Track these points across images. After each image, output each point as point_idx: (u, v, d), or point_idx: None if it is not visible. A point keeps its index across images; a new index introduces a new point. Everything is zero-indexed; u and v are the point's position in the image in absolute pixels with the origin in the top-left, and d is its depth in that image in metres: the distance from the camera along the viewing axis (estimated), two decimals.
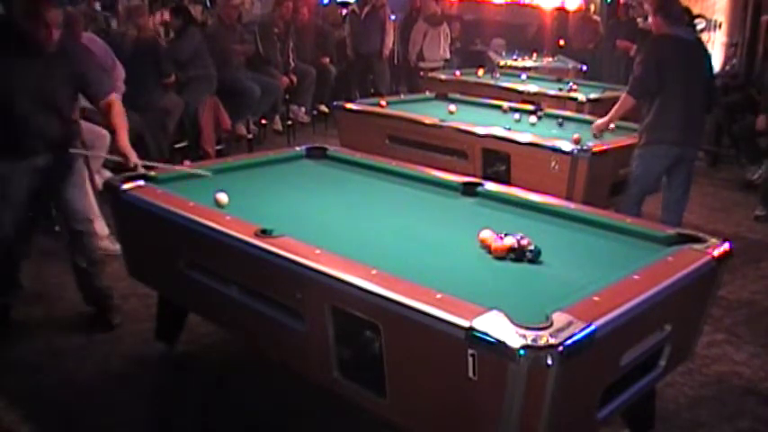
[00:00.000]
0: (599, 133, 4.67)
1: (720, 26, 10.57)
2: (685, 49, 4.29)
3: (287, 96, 7.98)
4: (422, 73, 9.08)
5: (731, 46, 9.74)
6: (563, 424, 1.99)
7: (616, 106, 4.48)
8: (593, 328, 1.92)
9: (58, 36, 3.24)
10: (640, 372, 2.40)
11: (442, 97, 6.59)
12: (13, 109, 3.29)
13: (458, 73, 8.54)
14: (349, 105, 5.91)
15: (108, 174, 3.55)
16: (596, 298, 2.10)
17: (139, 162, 3.35)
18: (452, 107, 5.84)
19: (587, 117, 5.50)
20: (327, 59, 8.85)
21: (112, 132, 3.51)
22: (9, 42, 3.23)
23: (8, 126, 3.32)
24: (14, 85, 3.27)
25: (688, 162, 4.39)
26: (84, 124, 4.23)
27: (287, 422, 2.99)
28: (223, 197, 3.00)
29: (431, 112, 5.55)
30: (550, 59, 10.48)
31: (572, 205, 3.26)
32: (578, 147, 4.35)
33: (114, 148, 3.35)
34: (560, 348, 1.81)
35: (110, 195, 3.22)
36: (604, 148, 4.45)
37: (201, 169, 3.38)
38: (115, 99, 3.54)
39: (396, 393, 2.16)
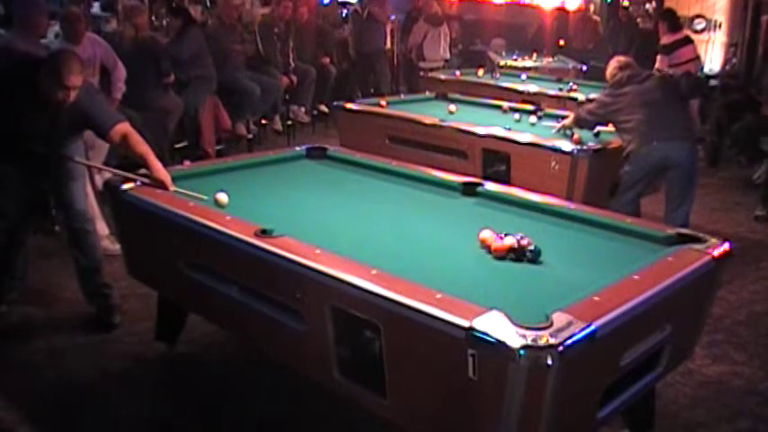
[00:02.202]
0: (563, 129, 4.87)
1: (720, 26, 10.58)
2: (635, 79, 4.52)
3: (287, 96, 7.97)
4: (422, 73, 9.08)
5: (731, 46, 9.75)
6: (563, 424, 1.99)
7: (572, 118, 4.79)
8: (593, 328, 1.92)
9: (75, 95, 3.23)
10: (640, 372, 2.40)
11: (442, 97, 6.59)
12: (15, 140, 3.38)
13: (458, 73, 8.54)
14: (349, 105, 5.91)
15: (108, 174, 3.55)
16: (596, 298, 2.10)
17: (174, 188, 3.15)
18: (452, 107, 5.84)
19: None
20: (327, 59, 8.85)
21: (140, 161, 3.28)
22: (25, 87, 3.23)
23: (7, 142, 3.38)
24: (20, 126, 3.33)
25: (678, 165, 4.39)
26: None
27: (287, 422, 2.99)
28: (223, 197, 3.00)
29: (431, 112, 5.55)
30: (550, 59, 10.48)
31: (572, 205, 3.26)
32: (578, 147, 4.35)
33: (150, 177, 3.16)
34: (560, 348, 1.81)
35: (110, 195, 3.22)
36: (604, 148, 4.46)
37: (197, 192, 3.15)
38: (125, 128, 3.38)
39: (396, 393, 2.16)
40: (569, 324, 1.89)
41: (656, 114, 4.36)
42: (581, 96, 6.60)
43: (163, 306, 3.43)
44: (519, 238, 2.57)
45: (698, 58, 6.86)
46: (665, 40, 6.90)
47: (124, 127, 3.38)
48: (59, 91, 3.17)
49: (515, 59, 10.30)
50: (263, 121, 7.87)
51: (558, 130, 4.87)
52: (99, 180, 4.48)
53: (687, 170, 4.43)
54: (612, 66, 4.65)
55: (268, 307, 2.56)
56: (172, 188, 3.13)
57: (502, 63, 9.85)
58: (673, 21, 7.08)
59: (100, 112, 3.40)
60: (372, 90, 9.00)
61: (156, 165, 3.22)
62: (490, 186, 3.40)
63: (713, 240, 2.64)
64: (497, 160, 4.66)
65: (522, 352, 1.79)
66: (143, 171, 3.21)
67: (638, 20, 10.97)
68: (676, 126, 4.41)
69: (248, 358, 3.48)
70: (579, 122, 4.69)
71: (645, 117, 4.34)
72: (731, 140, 7.57)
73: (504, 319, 1.89)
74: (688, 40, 6.99)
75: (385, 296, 2.08)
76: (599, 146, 4.47)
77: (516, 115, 5.60)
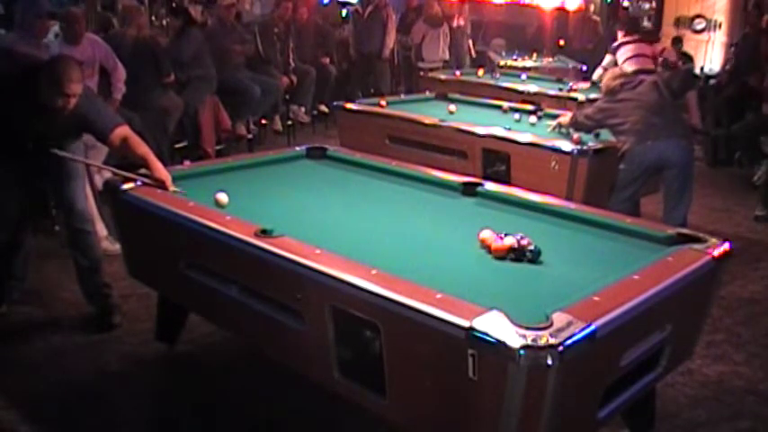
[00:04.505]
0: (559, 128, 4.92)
1: (720, 26, 10.60)
2: (628, 86, 4.58)
3: (287, 96, 7.97)
4: (422, 73, 9.08)
5: (731, 46, 9.76)
6: (563, 424, 1.99)
7: (570, 118, 4.82)
8: (593, 328, 1.92)
9: (75, 101, 3.23)
10: (640, 372, 2.40)
11: (442, 97, 6.59)
12: (15, 141, 3.39)
13: (458, 73, 8.54)
14: (349, 105, 5.91)
15: (108, 174, 3.55)
16: (596, 298, 2.10)
17: (174, 188, 3.15)
18: (452, 107, 5.84)
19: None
20: (327, 59, 8.85)
21: (141, 162, 3.27)
22: (25, 90, 3.23)
23: (7, 143, 3.39)
24: (20, 128, 3.34)
25: (674, 164, 4.40)
26: None
27: (287, 422, 2.99)
28: (223, 197, 3.00)
29: (431, 112, 5.55)
30: (550, 59, 10.48)
31: (572, 205, 3.26)
32: (578, 147, 4.36)
33: (151, 177, 3.16)
34: (560, 348, 1.81)
35: (110, 195, 3.22)
36: (604, 148, 4.47)
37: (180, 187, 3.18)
38: (125, 131, 3.37)
39: (396, 393, 2.16)
40: (569, 324, 1.89)
41: (651, 115, 4.39)
42: (581, 96, 6.60)
43: (163, 306, 3.43)
44: (519, 238, 2.57)
45: (649, 56, 6.73)
46: (618, 41, 6.91)
47: (124, 130, 3.38)
48: (59, 99, 3.17)
49: (515, 59, 10.31)
50: (263, 121, 7.86)
51: (555, 128, 4.89)
52: (99, 180, 4.48)
53: (683, 169, 4.44)
54: (607, 77, 4.76)
55: (268, 307, 2.56)
56: (172, 188, 3.13)
57: (502, 63, 9.86)
58: (630, 25, 7.09)
59: (99, 116, 3.39)
60: (372, 90, 9.00)
61: (157, 165, 3.23)
62: (490, 186, 3.40)
63: (713, 240, 2.64)
64: (497, 160, 4.66)
65: (522, 352, 1.79)
66: (143, 171, 3.21)
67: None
68: (671, 125, 4.43)
69: (248, 358, 3.48)
70: (576, 125, 4.72)
71: (640, 119, 4.37)
72: (731, 140, 7.59)
73: (504, 319, 1.89)
74: (641, 40, 6.91)
75: (385, 296, 2.08)
76: (599, 146, 4.48)
77: (516, 115, 5.60)
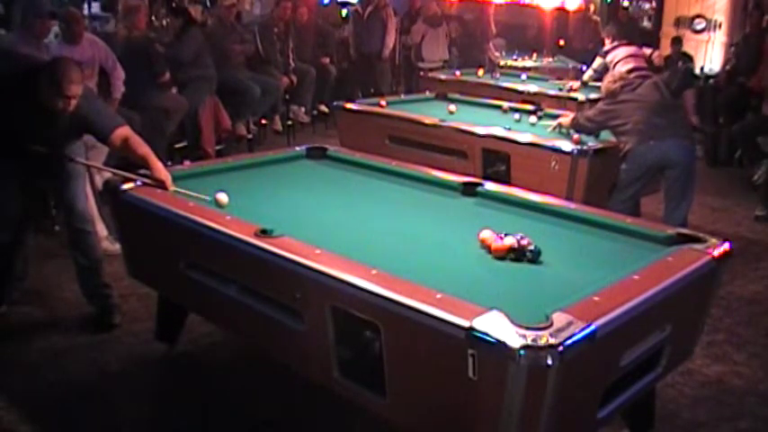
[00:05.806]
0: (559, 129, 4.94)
1: (720, 26, 10.60)
2: (628, 87, 4.60)
3: (287, 96, 7.97)
4: (422, 73, 9.09)
5: (731, 46, 9.77)
6: (563, 424, 1.99)
7: (570, 119, 4.83)
8: (593, 328, 1.92)
9: (75, 103, 3.22)
10: (640, 372, 2.40)
11: (442, 97, 6.59)
12: (15, 141, 3.37)
13: (458, 73, 8.54)
14: (349, 105, 5.91)
15: (108, 174, 3.55)
16: (596, 298, 2.10)
17: (174, 188, 3.14)
18: (452, 107, 5.84)
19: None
20: (327, 59, 8.85)
21: (142, 163, 3.26)
22: (25, 91, 3.23)
23: (7, 143, 3.38)
24: (20, 128, 3.33)
25: (676, 164, 4.41)
26: None
27: (287, 422, 2.99)
28: (223, 197, 3.00)
29: (431, 112, 5.55)
30: (550, 59, 10.48)
31: (572, 205, 3.26)
32: (578, 147, 4.36)
33: (151, 176, 3.15)
34: (560, 348, 1.81)
35: (110, 196, 3.22)
36: (604, 148, 4.47)
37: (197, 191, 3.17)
38: (126, 131, 3.36)
39: (396, 393, 2.16)
40: (569, 324, 1.89)
41: (653, 116, 4.40)
42: (581, 96, 6.60)
43: (163, 306, 3.43)
44: (519, 238, 2.57)
45: (641, 56, 6.70)
46: (607, 47, 6.88)
47: (125, 131, 3.37)
48: (59, 100, 3.17)
49: (515, 59, 10.31)
50: (263, 121, 7.86)
51: (555, 128, 4.89)
52: (99, 180, 4.48)
53: (686, 169, 4.45)
54: (607, 80, 4.77)
55: (268, 307, 2.56)
56: (172, 188, 3.13)
57: (502, 63, 9.86)
58: (617, 32, 7.05)
59: (100, 116, 3.39)
60: (372, 90, 9.00)
61: (157, 165, 3.23)
62: (490, 186, 3.40)
63: (713, 240, 2.64)
64: (497, 160, 4.67)
65: (522, 352, 1.79)
66: (143, 171, 3.21)
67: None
68: (673, 125, 4.44)
69: (248, 358, 3.48)
70: (577, 127, 4.72)
71: (642, 119, 4.38)
72: (731, 140, 7.59)
73: (504, 319, 1.89)
74: (630, 44, 6.88)
75: (385, 296, 2.08)
76: (599, 146, 4.49)
77: (516, 115, 5.61)
